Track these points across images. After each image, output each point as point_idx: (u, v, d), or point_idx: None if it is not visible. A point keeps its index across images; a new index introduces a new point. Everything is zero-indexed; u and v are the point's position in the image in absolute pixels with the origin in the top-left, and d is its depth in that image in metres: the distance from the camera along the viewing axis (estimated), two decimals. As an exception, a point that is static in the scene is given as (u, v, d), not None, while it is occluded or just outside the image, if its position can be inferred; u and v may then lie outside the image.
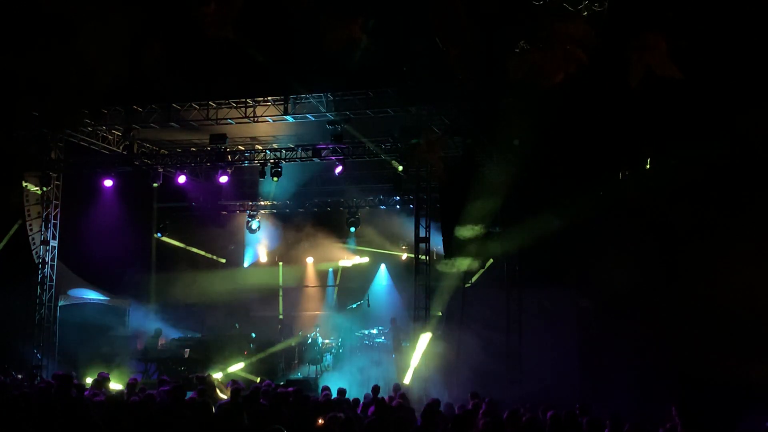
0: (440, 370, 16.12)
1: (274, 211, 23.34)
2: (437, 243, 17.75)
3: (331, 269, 25.21)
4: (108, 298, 20.64)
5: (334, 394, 11.37)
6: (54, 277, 19.55)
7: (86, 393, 10.77)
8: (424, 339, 15.92)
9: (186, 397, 9.86)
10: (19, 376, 13.32)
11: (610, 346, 15.93)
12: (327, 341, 20.06)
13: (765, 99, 12.14)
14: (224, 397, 11.83)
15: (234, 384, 10.82)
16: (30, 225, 19.38)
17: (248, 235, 23.70)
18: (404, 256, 23.30)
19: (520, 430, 8.57)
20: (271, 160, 18.57)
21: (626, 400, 13.81)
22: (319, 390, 13.21)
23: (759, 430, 10.09)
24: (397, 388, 12.80)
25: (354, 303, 21.63)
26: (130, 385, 11.69)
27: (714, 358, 13.51)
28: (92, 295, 20.61)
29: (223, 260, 24.25)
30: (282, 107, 17.11)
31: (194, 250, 23.88)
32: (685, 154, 14.16)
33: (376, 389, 12.09)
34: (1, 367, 14.55)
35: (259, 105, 17.27)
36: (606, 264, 15.66)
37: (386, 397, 11.24)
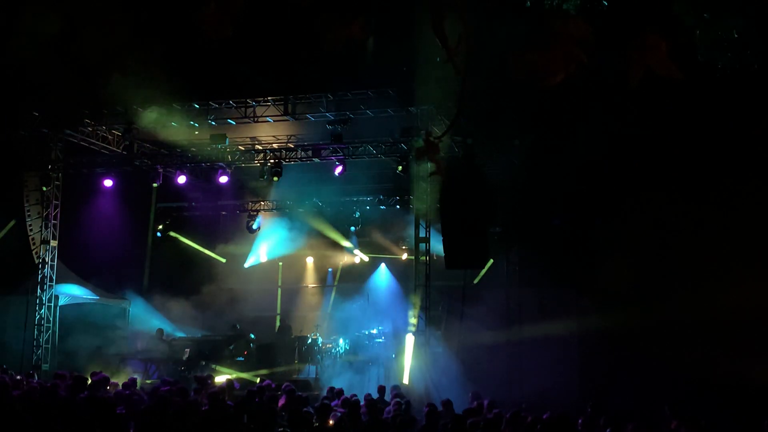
0: (440, 370, 16.13)
1: (274, 210, 23.34)
2: (437, 243, 17.75)
3: (330, 269, 25.22)
4: (98, 297, 20.53)
5: (335, 395, 11.37)
6: (54, 277, 19.52)
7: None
8: (410, 341, 16.05)
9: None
10: (18, 377, 13.28)
11: (610, 347, 15.93)
12: (327, 341, 20.05)
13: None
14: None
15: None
16: (30, 225, 19.37)
17: (248, 235, 23.69)
18: (404, 256, 23.29)
19: (520, 431, 8.57)
20: (271, 160, 18.56)
21: (626, 400, 13.82)
22: (322, 390, 13.21)
23: (759, 430, 10.09)
24: (396, 389, 12.79)
25: (354, 302, 21.63)
26: (129, 385, 11.66)
27: (714, 358, 13.51)
28: (80, 292, 20.38)
29: (223, 260, 24.25)
30: (282, 107, 17.11)
31: (194, 249, 23.88)
32: (685, 152, 14.17)
33: (381, 389, 12.10)
34: (1, 367, 14.52)
35: (259, 105, 17.27)
36: (606, 264, 15.66)
37: (391, 399, 11.25)
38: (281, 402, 10.31)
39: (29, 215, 19.40)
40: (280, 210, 23.20)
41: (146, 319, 21.12)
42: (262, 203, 23.02)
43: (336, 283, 24.97)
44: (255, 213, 23.14)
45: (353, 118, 16.81)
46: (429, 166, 3.53)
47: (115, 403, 9.09)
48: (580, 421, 9.16)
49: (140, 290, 22.00)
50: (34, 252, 19.39)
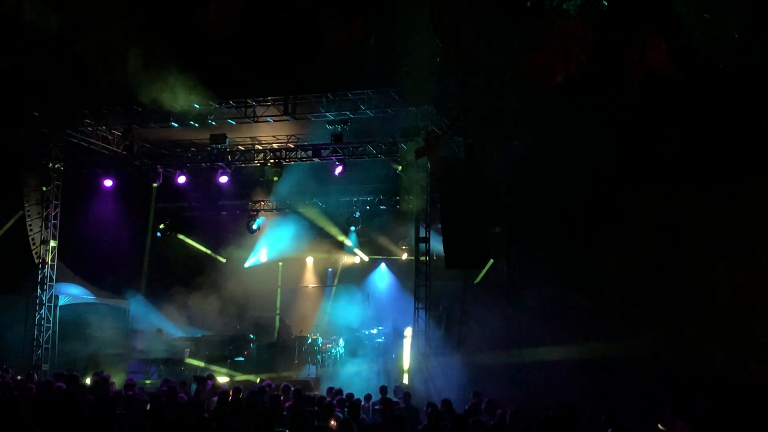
0: (440, 370, 16.14)
1: (274, 210, 23.36)
2: (437, 243, 17.77)
3: (330, 269, 25.23)
4: (98, 297, 20.51)
5: (335, 395, 11.37)
6: (54, 277, 19.51)
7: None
8: (408, 333, 16.10)
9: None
10: (19, 377, 13.28)
11: (610, 346, 15.93)
12: (327, 341, 20.06)
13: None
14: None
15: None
16: (30, 225, 19.35)
17: (248, 236, 23.71)
18: (404, 256, 23.31)
19: (520, 430, 8.57)
20: (271, 160, 18.57)
21: (627, 399, 13.80)
22: (322, 391, 13.21)
23: (759, 430, 10.10)
24: (398, 389, 12.81)
25: (354, 302, 21.63)
26: (128, 386, 11.68)
27: (715, 358, 13.51)
28: (79, 292, 20.31)
29: (224, 260, 24.26)
30: (282, 107, 17.11)
31: (194, 249, 23.89)
32: (685, 152, 14.18)
33: (383, 389, 12.11)
34: (1, 367, 14.52)
35: (259, 105, 17.27)
36: (606, 264, 15.67)
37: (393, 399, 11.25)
38: (287, 403, 10.32)
39: (29, 215, 19.37)
40: (280, 210, 23.21)
41: (146, 319, 21.12)
42: (262, 203, 23.03)
43: (336, 283, 24.97)
44: (255, 213, 23.16)
45: (353, 118, 16.81)
46: (429, 165, 3.54)
47: (115, 403, 9.10)
48: (580, 421, 9.16)
49: (140, 290, 22.01)
50: (34, 252, 19.37)
